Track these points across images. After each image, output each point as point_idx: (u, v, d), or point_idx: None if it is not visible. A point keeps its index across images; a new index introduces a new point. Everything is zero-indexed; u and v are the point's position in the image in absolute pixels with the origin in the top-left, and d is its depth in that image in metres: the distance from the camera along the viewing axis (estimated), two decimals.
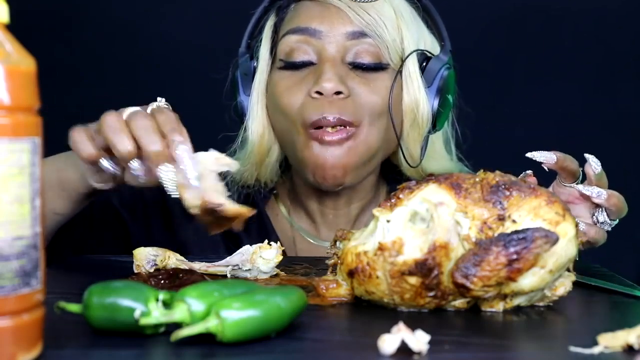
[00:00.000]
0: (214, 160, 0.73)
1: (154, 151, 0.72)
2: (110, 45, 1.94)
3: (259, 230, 1.11)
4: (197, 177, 0.70)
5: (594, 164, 0.86)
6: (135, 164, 0.74)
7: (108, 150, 0.75)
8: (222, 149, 0.80)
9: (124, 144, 0.72)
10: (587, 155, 0.86)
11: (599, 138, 1.93)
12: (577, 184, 0.87)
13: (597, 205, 0.87)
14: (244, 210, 0.71)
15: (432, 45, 1.07)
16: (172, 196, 0.72)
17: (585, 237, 0.85)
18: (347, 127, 0.98)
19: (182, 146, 0.71)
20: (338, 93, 0.97)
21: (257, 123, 1.06)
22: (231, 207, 0.70)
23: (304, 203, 1.12)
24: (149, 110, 0.77)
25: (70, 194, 0.89)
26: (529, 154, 0.84)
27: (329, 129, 0.98)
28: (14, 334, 0.52)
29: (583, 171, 0.88)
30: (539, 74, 1.95)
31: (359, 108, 0.99)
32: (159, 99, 0.79)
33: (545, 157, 0.85)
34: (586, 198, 0.86)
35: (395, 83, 1.01)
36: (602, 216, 0.87)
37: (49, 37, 1.88)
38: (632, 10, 1.92)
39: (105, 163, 0.77)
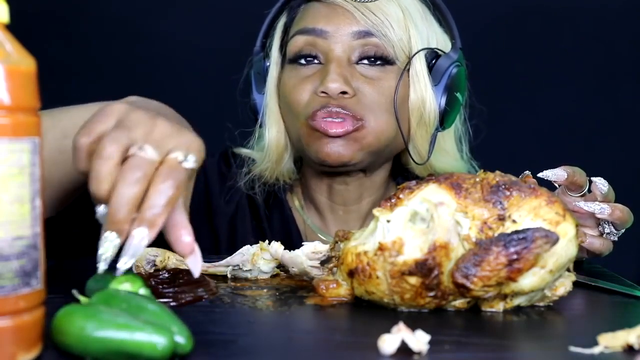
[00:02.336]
0: (310, 254, 0.78)
1: (111, 218, 0.57)
2: (111, 45, 1.94)
3: (282, 224, 1.12)
4: (125, 263, 0.58)
5: (600, 185, 0.86)
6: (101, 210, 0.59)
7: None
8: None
9: (98, 189, 0.57)
10: (594, 179, 0.86)
11: (598, 138, 1.93)
12: (582, 194, 0.87)
13: None
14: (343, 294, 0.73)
15: (444, 42, 1.07)
16: (100, 267, 0.58)
17: (590, 246, 0.86)
18: (352, 119, 0.99)
19: (140, 232, 0.57)
20: (343, 93, 0.98)
21: (272, 121, 1.08)
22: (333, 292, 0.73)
23: (314, 198, 1.13)
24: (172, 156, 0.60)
25: None
26: (541, 174, 0.84)
27: (334, 120, 0.99)
28: (14, 334, 0.52)
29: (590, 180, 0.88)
30: (538, 74, 1.95)
31: (364, 107, 1.00)
32: (190, 156, 0.60)
33: (557, 176, 0.85)
34: (590, 213, 0.86)
35: (402, 81, 1.01)
36: (608, 227, 0.87)
37: (49, 37, 1.88)
38: (632, 10, 1.92)
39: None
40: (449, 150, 1.13)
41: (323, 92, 0.99)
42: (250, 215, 1.14)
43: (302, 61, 1.03)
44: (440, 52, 1.04)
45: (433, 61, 1.03)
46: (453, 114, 1.05)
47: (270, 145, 1.08)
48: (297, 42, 1.03)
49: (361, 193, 1.11)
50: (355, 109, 0.99)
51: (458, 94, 1.04)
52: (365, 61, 1.01)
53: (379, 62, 1.02)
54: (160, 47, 1.92)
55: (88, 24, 1.96)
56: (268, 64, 1.08)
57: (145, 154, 0.57)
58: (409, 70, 1.02)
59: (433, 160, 1.08)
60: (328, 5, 1.04)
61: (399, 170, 1.15)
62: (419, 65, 1.02)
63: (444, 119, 1.04)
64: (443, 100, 1.03)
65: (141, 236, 0.57)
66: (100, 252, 0.57)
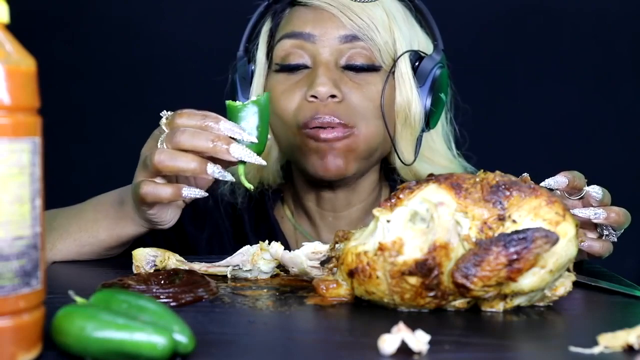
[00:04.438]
0: (310, 255, 0.79)
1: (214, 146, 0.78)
2: (110, 45, 1.94)
3: (268, 233, 1.12)
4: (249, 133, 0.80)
5: (594, 193, 0.85)
6: (213, 167, 0.79)
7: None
8: None
9: (191, 162, 0.78)
10: (586, 188, 0.86)
11: (598, 138, 1.93)
12: (581, 197, 0.87)
13: None
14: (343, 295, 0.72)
15: (426, 44, 1.07)
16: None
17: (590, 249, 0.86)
18: (343, 127, 0.99)
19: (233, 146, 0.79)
20: (332, 97, 0.99)
21: None
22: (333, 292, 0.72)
23: (304, 205, 1.13)
24: (164, 128, 0.81)
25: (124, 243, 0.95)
26: (543, 184, 0.83)
27: (324, 128, 0.99)
28: (14, 334, 0.52)
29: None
30: (538, 74, 1.95)
31: (353, 112, 1.00)
32: (162, 113, 0.82)
33: (558, 183, 0.84)
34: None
35: (388, 84, 1.02)
36: (606, 229, 0.87)
37: (49, 37, 1.88)
38: (632, 10, 1.92)
39: (187, 192, 0.80)
40: (440, 150, 1.13)
41: (312, 96, 0.99)
42: (231, 229, 1.13)
43: (291, 69, 1.03)
44: (423, 54, 1.04)
45: (417, 63, 1.04)
46: (437, 114, 1.06)
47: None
48: (284, 46, 1.03)
49: (350, 200, 1.11)
50: (346, 116, 1.00)
51: (442, 95, 1.05)
52: (352, 71, 1.02)
53: (365, 70, 1.02)
54: (160, 47, 1.92)
55: (88, 24, 1.96)
56: (253, 67, 1.08)
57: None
58: (394, 72, 1.02)
59: (418, 165, 1.08)
60: (314, 10, 1.04)
61: (387, 173, 1.14)
62: (404, 68, 1.03)
63: (429, 120, 1.04)
64: (428, 102, 1.03)
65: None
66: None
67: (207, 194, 0.83)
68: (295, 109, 1.01)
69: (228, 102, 0.81)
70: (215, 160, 0.80)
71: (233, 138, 0.79)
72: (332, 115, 0.99)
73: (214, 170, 0.79)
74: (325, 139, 0.99)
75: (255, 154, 0.80)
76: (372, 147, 1.03)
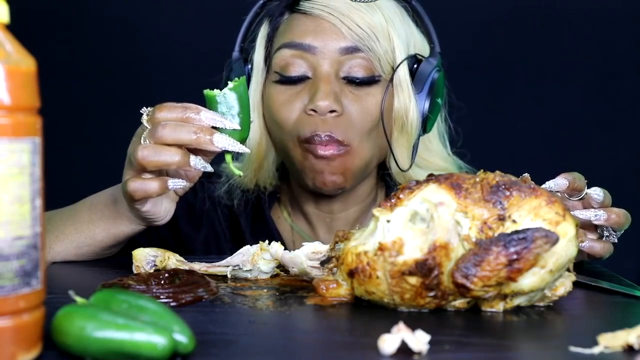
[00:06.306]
0: (310, 255, 0.79)
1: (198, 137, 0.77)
2: (110, 45, 1.94)
3: (265, 234, 1.12)
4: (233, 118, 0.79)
5: (595, 195, 0.85)
6: (195, 160, 0.79)
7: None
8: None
9: (175, 155, 0.78)
10: (588, 190, 0.86)
11: (597, 138, 1.93)
12: (581, 198, 0.87)
13: None
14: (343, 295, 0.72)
15: (422, 44, 1.07)
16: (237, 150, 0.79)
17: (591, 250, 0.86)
18: (338, 144, 1.00)
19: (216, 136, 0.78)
20: (332, 111, 0.99)
21: (253, 130, 1.07)
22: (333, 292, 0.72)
23: (301, 207, 1.13)
24: (146, 124, 0.81)
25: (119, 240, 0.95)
26: (543, 186, 0.83)
27: (322, 145, 1.00)
28: (14, 334, 0.52)
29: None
30: (538, 74, 1.95)
31: (351, 126, 1.01)
32: (143, 109, 0.82)
33: (558, 185, 0.84)
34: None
35: (387, 93, 1.02)
36: (606, 231, 0.87)
37: (49, 37, 1.88)
38: (632, 10, 1.92)
39: (172, 183, 0.81)
40: (436, 150, 1.13)
41: (312, 109, 0.99)
42: (228, 230, 1.14)
43: (292, 80, 1.03)
44: (420, 57, 1.04)
45: (415, 66, 1.04)
46: (433, 119, 1.06)
47: (250, 153, 1.09)
48: (284, 55, 1.03)
49: (347, 202, 1.11)
50: (342, 133, 1.00)
51: (438, 99, 1.05)
52: (353, 84, 1.01)
53: (366, 82, 1.02)
54: (161, 47, 1.92)
55: (88, 24, 1.96)
56: (249, 66, 1.07)
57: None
58: (393, 80, 1.02)
59: (412, 171, 1.08)
60: (314, 19, 1.03)
61: (384, 175, 1.14)
62: (403, 75, 1.03)
63: (425, 125, 1.05)
64: (426, 108, 1.03)
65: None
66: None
67: (191, 184, 0.84)
68: (295, 121, 1.01)
69: (206, 91, 0.80)
70: (200, 151, 0.80)
71: (216, 128, 0.79)
72: (330, 132, 0.99)
73: (196, 163, 0.79)
74: (323, 155, 0.99)
75: (239, 142, 0.79)
76: (367, 161, 1.04)
